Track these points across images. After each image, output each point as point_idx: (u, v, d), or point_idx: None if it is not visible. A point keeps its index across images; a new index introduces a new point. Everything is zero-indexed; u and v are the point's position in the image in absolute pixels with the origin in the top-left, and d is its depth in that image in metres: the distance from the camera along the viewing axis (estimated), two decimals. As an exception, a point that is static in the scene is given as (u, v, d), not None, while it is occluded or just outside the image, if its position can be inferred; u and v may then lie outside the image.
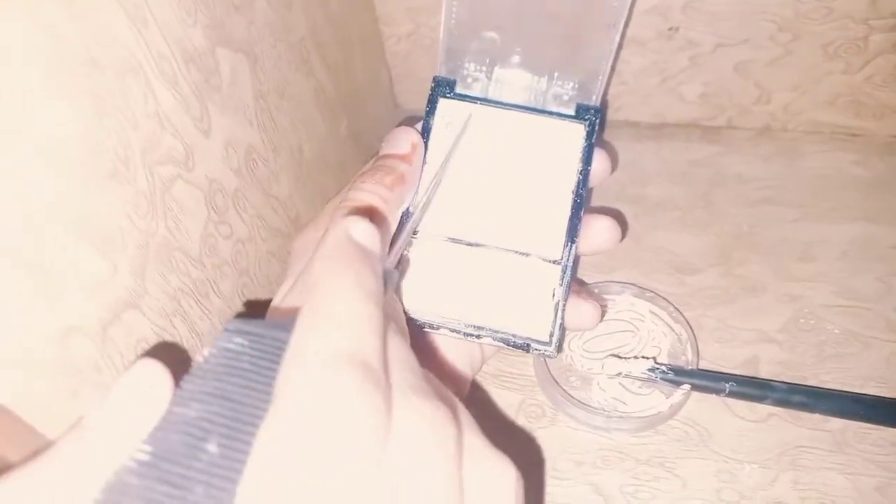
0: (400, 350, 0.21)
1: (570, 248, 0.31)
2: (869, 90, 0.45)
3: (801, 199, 0.45)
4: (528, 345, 0.31)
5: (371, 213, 0.28)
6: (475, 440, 0.20)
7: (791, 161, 0.47)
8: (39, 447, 0.19)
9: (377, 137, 0.49)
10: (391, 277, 0.24)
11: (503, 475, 0.20)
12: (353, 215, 0.22)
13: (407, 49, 0.48)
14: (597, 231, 0.32)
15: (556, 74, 0.33)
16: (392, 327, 0.21)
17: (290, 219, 0.35)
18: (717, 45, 0.43)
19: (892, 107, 0.45)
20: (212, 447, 0.17)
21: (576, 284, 0.32)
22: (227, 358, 0.19)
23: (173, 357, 0.25)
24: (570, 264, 0.31)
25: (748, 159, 0.47)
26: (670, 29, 0.43)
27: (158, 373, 0.19)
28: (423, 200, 0.30)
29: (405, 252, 0.31)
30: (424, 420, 0.19)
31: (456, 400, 0.21)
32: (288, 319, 0.19)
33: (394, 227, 0.30)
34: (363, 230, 0.22)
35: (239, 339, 0.19)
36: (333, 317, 0.19)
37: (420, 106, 0.40)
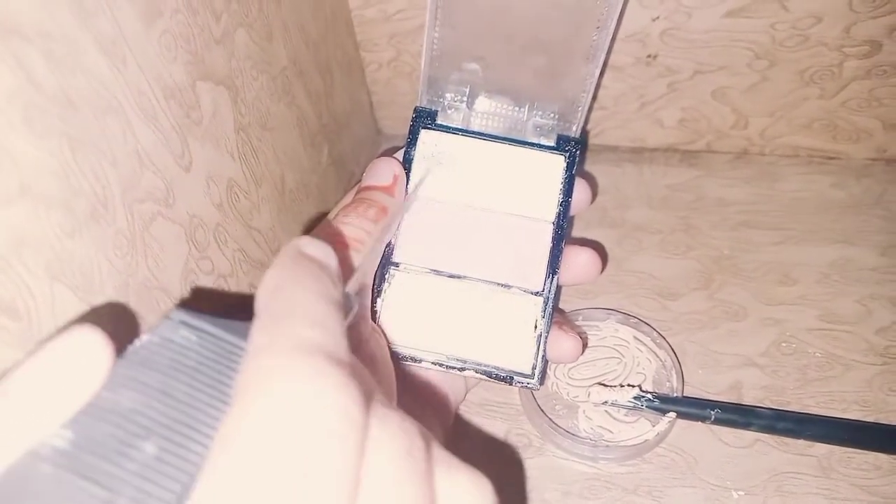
0: (363, 373, 0.19)
1: (552, 280, 0.31)
2: (844, 114, 0.45)
3: (781, 223, 0.46)
4: (511, 377, 0.31)
5: (328, 237, 0.27)
6: (444, 454, 0.19)
7: (769, 184, 0.48)
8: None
9: (358, 163, 0.49)
10: (351, 300, 0.22)
11: (477, 488, 0.18)
12: (304, 236, 0.21)
13: (388, 76, 0.48)
14: (578, 263, 0.32)
15: (536, 106, 0.33)
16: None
17: (272, 250, 0.34)
18: (696, 71, 0.44)
19: (868, 130, 0.46)
20: (148, 447, 0.15)
21: (558, 316, 0.32)
22: (171, 350, 0.17)
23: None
24: (552, 296, 0.31)
25: (727, 183, 0.48)
26: (649, 56, 0.43)
27: (99, 345, 0.16)
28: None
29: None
30: (394, 429, 0.17)
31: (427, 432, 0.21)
32: (241, 324, 0.18)
33: (378, 258, 0.30)
34: (316, 245, 0.21)
35: (185, 333, 0.17)
36: (297, 314, 0.17)
37: (401, 131, 0.40)
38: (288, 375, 0.15)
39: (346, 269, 0.26)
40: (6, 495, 0.14)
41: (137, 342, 0.17)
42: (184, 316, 0.18)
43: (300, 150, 0.38)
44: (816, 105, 0.45)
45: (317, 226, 0.32)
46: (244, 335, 0.17)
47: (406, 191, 0.32)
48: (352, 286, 0.24)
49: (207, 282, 0.29)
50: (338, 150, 0.44)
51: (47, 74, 0.19)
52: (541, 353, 0.31)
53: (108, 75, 0.22)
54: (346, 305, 0.20)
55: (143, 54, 0.23)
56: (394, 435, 0.17)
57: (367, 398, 0.16)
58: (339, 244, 0.27)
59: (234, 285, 0.31)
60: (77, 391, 0.15)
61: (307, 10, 0.37)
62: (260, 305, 0.18)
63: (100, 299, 0.22)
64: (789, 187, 0.47)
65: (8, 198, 0.18)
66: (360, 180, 0.33)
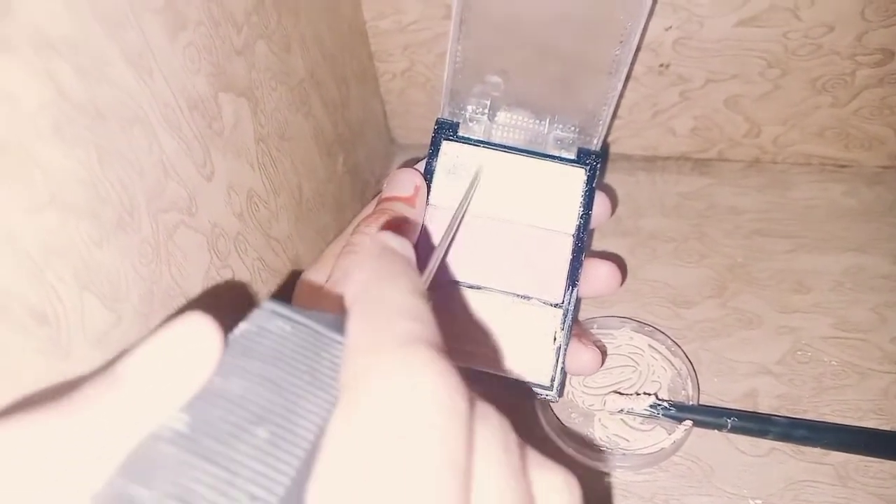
0: None
1: (572, 292, 0.32)
2: (857, 122, 0.45)
3: (793, 230, 0.46)
4: (530, 389, 0.31)
5: (400, 228, 0.28)
6: (532, 451, 0.19)
7: (782, 192, 0.48)
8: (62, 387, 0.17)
9: (373, 173, 0.49)
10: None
11: (569, 486, 0.19)
12: (385, 231, 0.22)
13: (401, 86, 0.48)
14: (598, 276, 0.32)
15: (557, 119, 0.33)
16: None
17: (290, 259, 0.35)
18: (708, 80, 0.44)
19: (880, 138, 0.46)
20: (261, 432, 0.15)
21: (576, 328, 0.32)
22: (269, 339, 0.17)
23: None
24: (572, 308, 0.31)
25: (740, 191, 0.48)
26: (661, 65, 0.44)
27: (210, 331, 0.16)
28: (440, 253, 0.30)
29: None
30: (494, 422, 0.17)
31: None
32: (331, 315, 0.18)
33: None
34: (402, 243, 0.21)
35: (280, 323, 0.18)
36: (397, 308, 0.17)
37: (414, 141, 0.40)
38: (399, 369, 0.15)
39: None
40: (134, 475, 0.14)
41: (237, 330, 0.17)
42: (275, 306, 0.18)
43: (316, 159, 0.38)
44: (829, 113, 0.45)
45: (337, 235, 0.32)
46: (335, 327, 0.18)
47: (428, 202, 0.32)
48: (425, 282, 0.24)
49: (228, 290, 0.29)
50: (352, 159, 0.44)
51: (76, 86, 0.20)
52: (560, 366, 0.31)
53: (134, 86, 0.22)
54: None
55: (168, 66, 0.24)
56: (494, 428, 0.17)
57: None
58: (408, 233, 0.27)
59: (253, 295, 0.31)
60: (192, 376, 0.16)
61: (324, 21, 0.37)
62: (351, 298, 0.18)
63: (125, 307, 0.22)
64: (801, 195, 0.47)
65: (38, 206, 0.19)
66: (377, 191, 0.33)
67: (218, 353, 0.16)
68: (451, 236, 0.30)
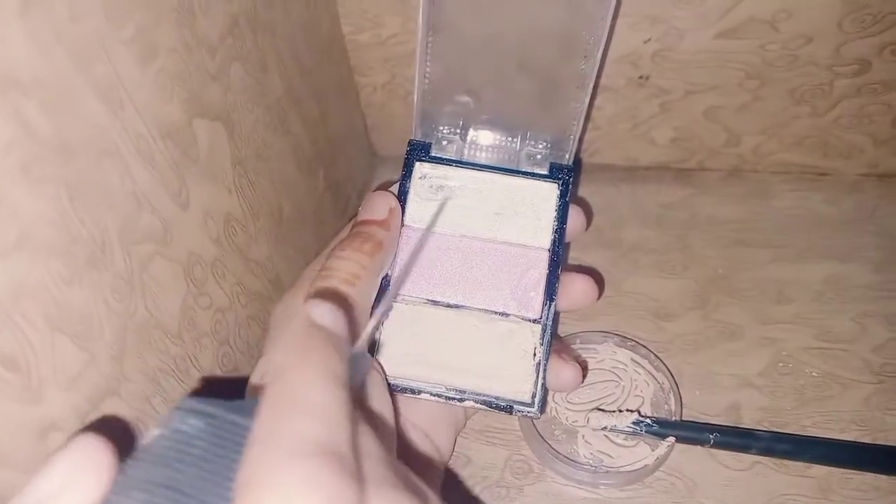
0: (367, 439, 0.20)
1: (550, 307, 0.31)
2: (836, 131, 0.46)
3: (774, 240, 0.46)
4: (511, 407, 0.30)
5: (336, 297, 0.27)
6: None
7: (762, 201, 0.48)
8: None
9: (355, 187, 0.49)
10: (361, 361, 0.23)
11: None
12: (314, 298, 0.21)
13: (382, 99, 0.48)
14: (574, 289, 0.32)
15: (528, 135, 0.33)
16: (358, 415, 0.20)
17: (270, 280, 0.34)
18: (687, 91, 0.44)
19: (859, 147, 0.46)
20: None
21: (557, 344, 0.32)
22: (178, 442, 0.17)
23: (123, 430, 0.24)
24: (550, 323, 0.31)
25: (720, 201, 0.48)
26: (641, 77, 0.44)
27: (99, 453, 0.16)
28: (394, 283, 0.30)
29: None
30: None
31: (427, 490, 0.20)
32: (248, 402, 0.18)
33: (374, 292, 0.30)
34: (324, 312, 0.21)
35: (194, 421, 0.17)
36: (300, 403, 0.17)
37: (396, 153, 0.40)
38: (281, 484, 0.15)
39: (353, 327, 0.26)
40: None
41: (147, 438, 0.17)
42: (192, 404, 0.18)
43: (296, 177, 0.38)
44: (808, 123, 0.45)
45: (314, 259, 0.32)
46: (251, 414, 0.17)
47: (402, 223, 0.32)
48: (360, 346, 0.24)
49: (205, 317, 0.29)
50: (333, 174, 0.44)
51: (44, 123, 0.19)
52: (540, 381, 0.31)
53: (105, 119, 0.22)
54: (355, 366, 0.21)
55: (139, 95, 0.23)
56: None
57: (364, 490, 0.17)
58: (344, 302, 0.27)
59: (231, 319, 0.31)
60: (84, 502, 0.16)
61: (301, 38, 0.37)
62: (270, 379, 0.18)
63: (98, 345, 0.22)
64: (782, 204, 0.48)
65: (6, 248, 0.18)
66: (358, 205, 0.33)
67: (109, 473, 0.16)
68: (400, 282, 0.30)
